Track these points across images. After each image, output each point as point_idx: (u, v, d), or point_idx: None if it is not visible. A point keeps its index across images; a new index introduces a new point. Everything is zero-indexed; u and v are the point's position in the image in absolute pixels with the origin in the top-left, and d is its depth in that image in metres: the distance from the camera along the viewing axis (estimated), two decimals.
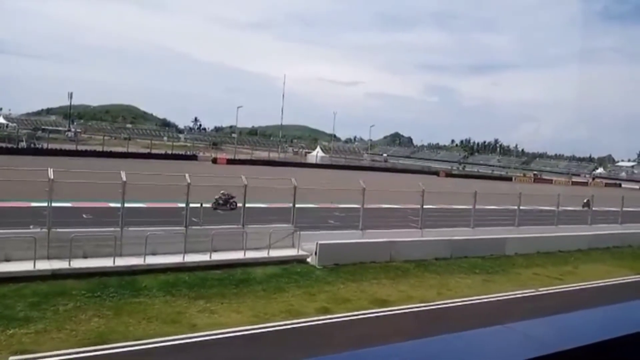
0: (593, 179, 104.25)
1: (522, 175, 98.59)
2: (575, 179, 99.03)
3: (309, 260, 17.28)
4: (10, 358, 9.05)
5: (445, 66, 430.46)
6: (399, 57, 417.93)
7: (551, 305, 14.73)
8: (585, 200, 33.43)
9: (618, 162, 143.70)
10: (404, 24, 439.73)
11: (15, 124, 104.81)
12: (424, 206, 22.08)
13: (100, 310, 11.62)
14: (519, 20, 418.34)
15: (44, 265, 13.72)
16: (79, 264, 14.08)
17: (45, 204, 15.01)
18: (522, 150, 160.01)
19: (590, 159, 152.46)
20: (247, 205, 17.96)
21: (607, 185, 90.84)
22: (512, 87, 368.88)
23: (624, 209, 30.25)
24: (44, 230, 14.56)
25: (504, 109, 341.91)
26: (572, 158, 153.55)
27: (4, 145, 58.16)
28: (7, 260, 13.68)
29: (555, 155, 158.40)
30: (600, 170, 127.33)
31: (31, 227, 15.16)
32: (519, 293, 16.06)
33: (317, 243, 17.25)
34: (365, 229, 20.27)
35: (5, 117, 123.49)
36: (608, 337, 1.15)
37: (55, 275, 13.46)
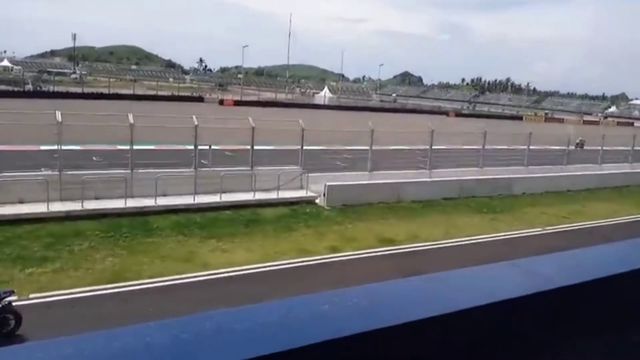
0: (605, 117, 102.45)
1: (533, 114, 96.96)
2: (586, 117, 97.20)
3: (317, 201, 17.46)
4: (31, 296, 9.39)
5: (457, 3, 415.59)
6: None
7: (558, 243, 14.89)
8: (577, 140, 33.02)
9: (632, 100, 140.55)
10: None
11: (20, 67, 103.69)
12: (433, 147, 21.98)
13: (114, 250, 11.93)
14: None
15: (57, 207, 13.99)
16: (91, 205, 14.34)
17: (54, 147, 15.10)
18: (534, 88, 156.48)
19: (604, 98, 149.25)
20: (255, 147, 17.95)
21: (619, 124, 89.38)
22: (525, 23, 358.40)
23: (635, 148, 29.92)
24: (55, 172, 14.73)
25: (516, 46, 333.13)
26: (585, 96, 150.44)
27: (10, 88, 57.94)
28: (21, 202, 13.95)
29: (568, 93, 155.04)
30: (612, 109, 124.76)
31: (42, 169, 15.34)
32: (525, 231, 16.24)
33: (325, 184, 17.36)
34: (374, 170, 20.30)
35: (10, 60, 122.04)
36: (612, 272, 1.15)
37: (69, 216, 13.76)
